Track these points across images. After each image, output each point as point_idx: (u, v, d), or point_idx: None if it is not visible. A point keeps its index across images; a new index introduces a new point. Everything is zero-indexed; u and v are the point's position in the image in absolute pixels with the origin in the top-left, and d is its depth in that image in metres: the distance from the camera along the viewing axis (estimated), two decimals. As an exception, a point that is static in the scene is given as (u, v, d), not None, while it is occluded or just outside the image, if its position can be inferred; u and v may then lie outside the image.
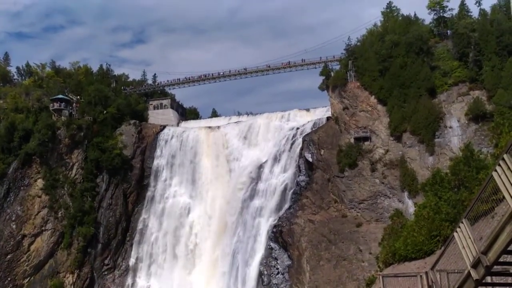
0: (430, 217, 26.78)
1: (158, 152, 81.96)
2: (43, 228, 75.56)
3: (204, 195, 76.02)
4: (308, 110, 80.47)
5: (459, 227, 15.93)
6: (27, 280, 73.60)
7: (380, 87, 65.37)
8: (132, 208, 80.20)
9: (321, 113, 77.15)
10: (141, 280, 75.12)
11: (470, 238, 15.48)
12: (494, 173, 12.24)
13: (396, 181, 61.21)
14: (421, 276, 16.19)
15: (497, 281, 16.38)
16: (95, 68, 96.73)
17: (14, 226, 74.68)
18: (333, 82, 71.32)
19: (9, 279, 72.82)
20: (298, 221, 64.93)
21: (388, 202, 61.66)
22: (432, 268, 16.47)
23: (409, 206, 56.12)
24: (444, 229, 25.72)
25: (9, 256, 73.36)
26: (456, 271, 16.33)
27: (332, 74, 73.68)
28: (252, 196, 69.77)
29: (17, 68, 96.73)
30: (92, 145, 79.85)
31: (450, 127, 59.77)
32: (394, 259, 27.77)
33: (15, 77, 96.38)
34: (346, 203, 64.62)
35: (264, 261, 64.40)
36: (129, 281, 75.65)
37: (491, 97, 58.47)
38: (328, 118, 72.63)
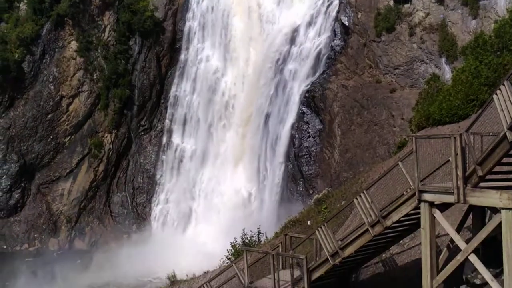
0: (468, 81, 26.06)
1: (190, 14, 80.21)
2: (79, 89, 77.47)
3: (237, 58, 75.42)
4: (346, -31, 76.06)
5: (499, 89, 15.51)
6: (68, 138, 77.26)
7: None
8: (166, 72, 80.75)
9: (360, -27, 72.94)
10: (176, 140, 77.95)
11: (510, 100, 15.08)
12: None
13: (435, 46, 59.15)
14: (454, 137, 16.04)
15: (533, 144, 16.19)
16: None
17: (52, 87, 76.72)
18: None
19: (51, 137, 76.51)
20: (331, 86, 64.58)
21: (424, 67, 60.22)
22: (467, 131, 16.32)
23: (446, 72, 54.88)
24: (482, 93, 25.13)
25: (49, 116, 76.36)
26: (491, 134, 16.18)
27: None
28: (285, 60, 68.94)
29: None
30: (123, 6, 78.57)
31: (498, -12, 56.06)
32: (428, 123, 27.66)
33: None
34: (381, 69, 63.43)
35: (296, 125, 65.37)
36: (164, 141, 78.63)
37: (547, -46, 53.79)
38: (367, -21, 68.80)
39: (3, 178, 74.08)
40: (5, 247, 73.30)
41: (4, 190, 74.06)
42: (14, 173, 74.30)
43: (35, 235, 74.51)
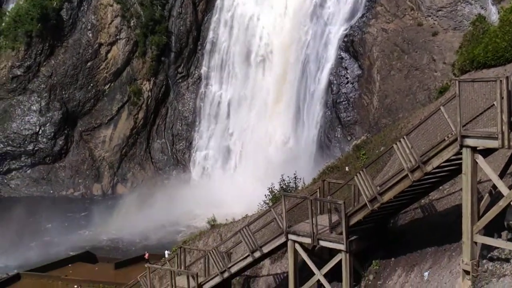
0: (516, 22, 24.81)
1: (225, -43, 78.57)
2: (117, 37, 77.84)
3: (274, 2, 73.87)
4: None
5: (551, 29, 14.70)
6: (108, 86, 78.41)
7: None
8: (202, 17, 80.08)
9: None
10: (213, 88, 78.06)
11: (561, 40, 14.34)
12: None
13: (481, -14, 56.55)
14: (500, 81, 15.44)
15: None
16: None
17: (90, 35, 77.34)
18: None
19: (91, 85, 77.79)
20: (371, 30, 62.94)
21: (469, 9, 57.76)
22: (514, 73, 15.65)
23: (492, 13, 52.47)
24: (530, 34, 23.94)
25: (89, 64, 77.36)
26: (539, 76, 15.53)
27: None
28: (323, 3, 67.22)
29: None
30: (158, -50, 77.63)
31: None
32: (472, 66, 26.62)
33: None
34: (423, 11, 61.19)
35: (334, 70, 64.41)
36: (202, 88, 78.88)
37: None
38: None
39: (47, 125, 76.25)
40: (51, 191, 76.30)
41: (49, 137, 76.36)
42: (57, 121, 76.33)
43: (80, 181, 77.11)
